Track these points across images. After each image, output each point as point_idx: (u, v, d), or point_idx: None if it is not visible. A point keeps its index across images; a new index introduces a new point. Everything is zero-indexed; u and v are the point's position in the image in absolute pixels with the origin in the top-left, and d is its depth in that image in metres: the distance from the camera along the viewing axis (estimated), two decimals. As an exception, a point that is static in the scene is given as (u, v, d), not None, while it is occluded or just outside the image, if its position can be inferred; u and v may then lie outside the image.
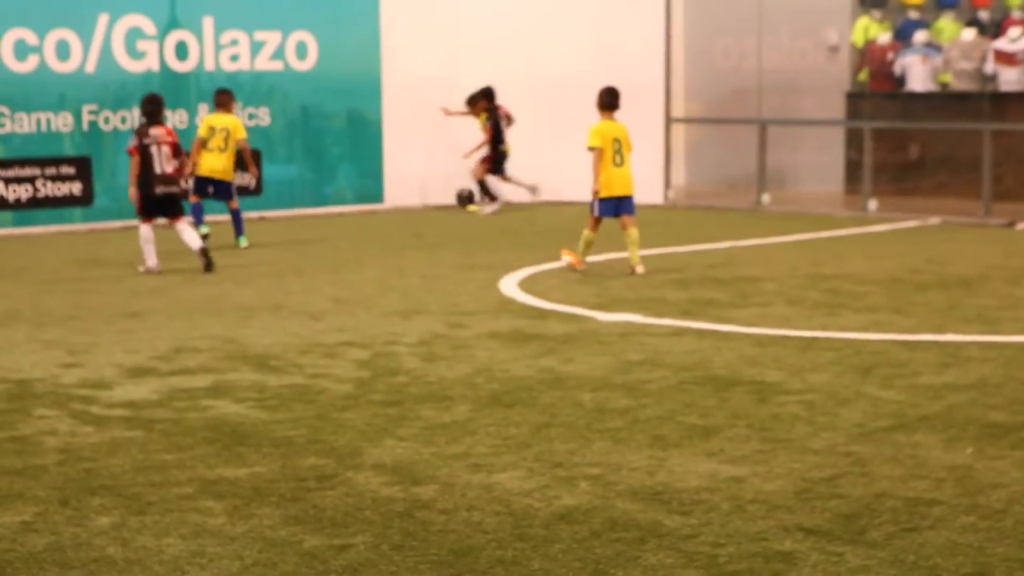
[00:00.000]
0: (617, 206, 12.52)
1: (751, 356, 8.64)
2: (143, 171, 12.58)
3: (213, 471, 6.15)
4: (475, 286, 11.81)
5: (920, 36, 20.56)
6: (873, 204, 18.01)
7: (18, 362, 8.66)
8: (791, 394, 7.57)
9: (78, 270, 13.09)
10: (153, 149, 12.61)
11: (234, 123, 14.91)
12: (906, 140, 19.65)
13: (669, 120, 19.54)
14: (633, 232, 12.45)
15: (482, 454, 6.40)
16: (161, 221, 12.80)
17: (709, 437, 6.68)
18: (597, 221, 12.55)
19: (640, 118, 19.30)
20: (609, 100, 12.76)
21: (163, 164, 12.62)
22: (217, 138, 14.77)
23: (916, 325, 9.70)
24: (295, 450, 6.50)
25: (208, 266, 12.58)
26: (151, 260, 12.58)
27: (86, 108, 16.71)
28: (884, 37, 21.06)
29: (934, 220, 16.79)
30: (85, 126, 16.65)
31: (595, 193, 12.46)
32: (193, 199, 15.00)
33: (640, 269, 12.40)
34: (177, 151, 12.82)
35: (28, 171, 16.43)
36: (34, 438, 6.77)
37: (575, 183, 19.27)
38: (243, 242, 14.88)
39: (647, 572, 4.85)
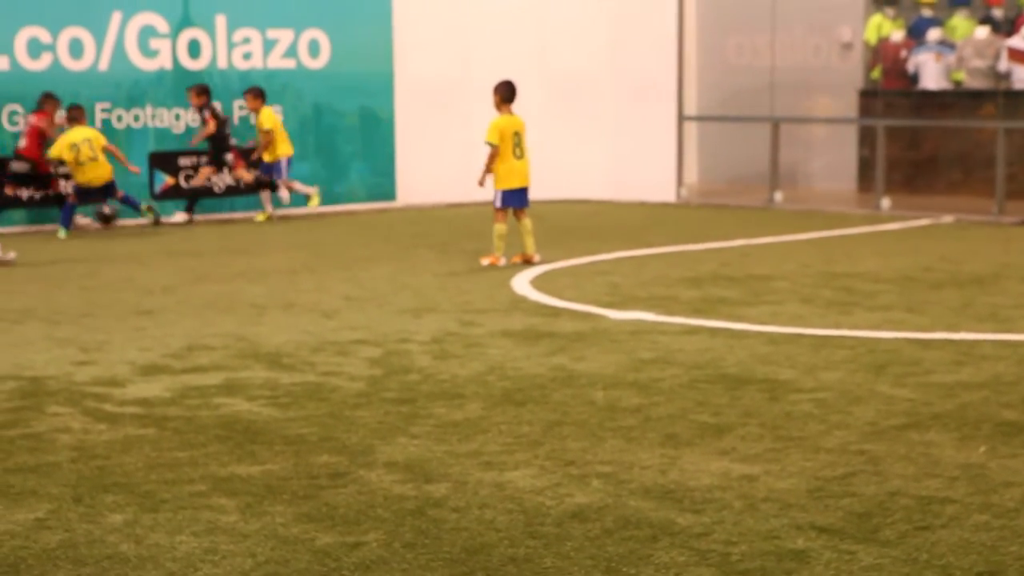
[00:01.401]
0: (521, 197, 12.94)
1: (763, 354, 8.63)
2: None
3: (226, 469, 6.16)
4: (487, 284, 11.82)
5: (933, 34, 20.52)
6: (886, 202, 17.97)
7: (32, 359, 8.68)
8: (804, 392, 7.56)
9: (89, 267, 13.11)
10: None
11: (92, 133, 15.99)
12: (919, 138, 19.61)
13: (682, 118, 19.52)
14: (528, 222, 12.99)
15: (494, 452, 6.40)
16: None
17: (721, 435, 6.67)
18: (504, 213, 12.89)
19: (652, 116, 19.35)
20: (508, 94, 13.08)
21: None
22: (83, 152, 15.75)
23: (929, 323, 9.69)
24: (307, 448, 6.51)
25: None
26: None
27: (99, 106, 16.74)
28: (897, 35, 21.02)
29: (947, 218, 16.76)
30: (98, 124, 16.67)
31: (480, 183, 13.09)
32: (72, 199, 16.03)
33: (537, 258, 12.93)
34: None
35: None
36: (47, 435, 6.79)
37: (588, 179, 19.30)
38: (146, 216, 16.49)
39: (659, 570, 4.85)
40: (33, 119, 15.91)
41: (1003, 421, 6.87)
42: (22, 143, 15.98)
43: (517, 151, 12.87)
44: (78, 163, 15.70)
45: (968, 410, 7.11)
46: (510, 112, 12.99)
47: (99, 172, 15.84)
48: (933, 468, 6.05)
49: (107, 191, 16.06)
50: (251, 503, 5.65)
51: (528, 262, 12.91)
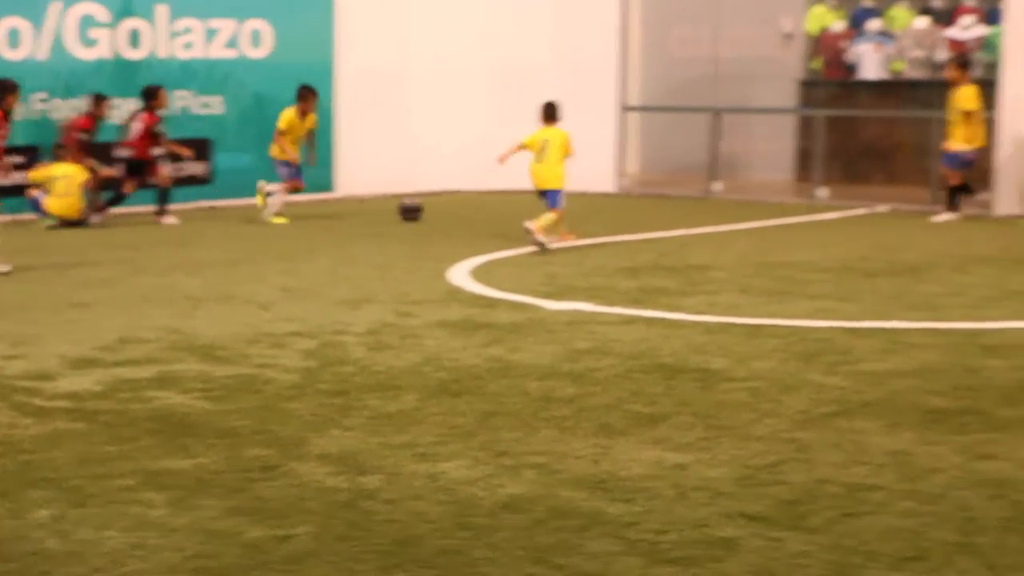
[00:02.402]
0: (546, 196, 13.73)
1: (698, 344, 8.67)
2: None
3: (156, 463, 6.11)
4: (425, 275, 11.80)
5: (873, 24, 20.68)
6: (824, 192, 18.10)
7: (-38, 354, 8.58)
8: (736, 381, 7.61)
9: (25, 259, 12.96)
10: None
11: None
12: (857, 128, 19.74)
13: (623, 108, 19.56)
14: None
15: (428, 443, 6.39)
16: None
17: (655, 425, 6.70)
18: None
19: (594, 105, 19.35)
20: (547, 113, 13.99)
21: None
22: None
23: (862, 312, 9.76)
24: (240, 441, 6.47)
25: None
26: None
27: (36, 97, 16.55)
28: (838, 25, 21.16)
29: (884, 208, 16.90)
30: (36, 115, 16.49)
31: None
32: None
33: (532, 225, 13.40)
34: None
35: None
36: (-25, 430, 6.71)
37: (527, 172, 19.30)
38: None
39: (589, 560, 4.86)
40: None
41: (931, 409, 6.94)
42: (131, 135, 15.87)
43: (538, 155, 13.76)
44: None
45: (897, 398, 7.18)
46: (552, 126, 13.86)
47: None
48: (861, 455, 6.10)
49: None
50: (181, 497, 5.61)
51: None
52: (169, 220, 16.18)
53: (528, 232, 13.27)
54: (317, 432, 6.61)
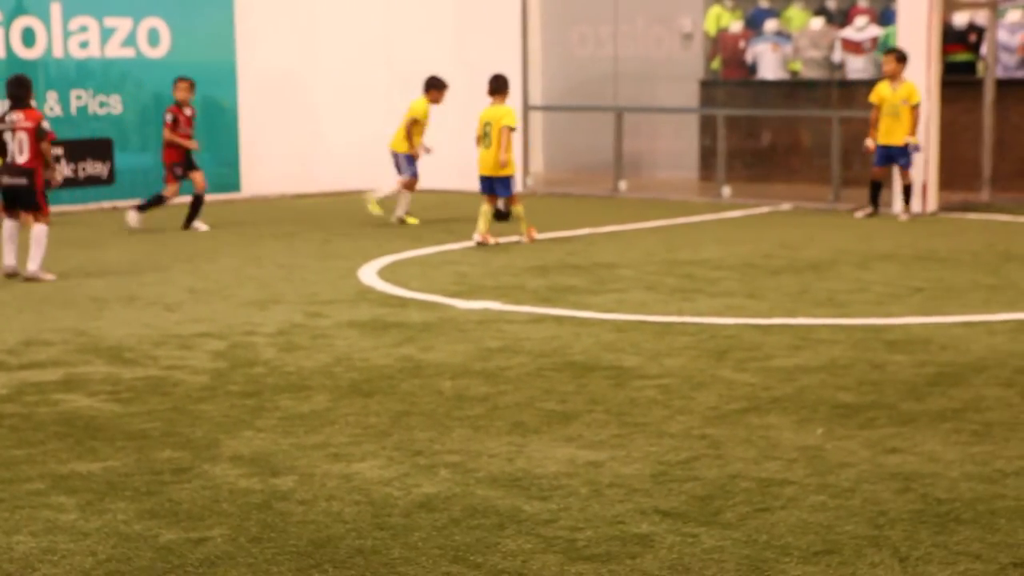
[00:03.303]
0: (487, 184, 13.71)
1: (609, 342, 8.72)
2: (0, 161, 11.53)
3: (65, 466, 6.03)
4: (334, 275, 11.74)
5: (770, 25, 20.92)
6: (727, 190, 18.29)
7: None
8: (648, 379, 7.67)
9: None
10: (7, 136, 11.46)
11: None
12: (758, 127, 19.98)
13: (527, 107, 19.61)
14: (490, 209, 13.64)
15: (341, 444, 6.37)
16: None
17: (568, 423, 6.73)
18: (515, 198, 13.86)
19: (498, 105, 19.39)
20: (497, 86, 13.88)
21: (15, 152, 11.41)
22: None
23: (769, 309, 9.89)
24: (150, 443, 6.40)
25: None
26: (7, 258, 11.48)
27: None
28: (736, 26, 21.39)
29: (786, 206, 17.12)
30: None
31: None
32: None
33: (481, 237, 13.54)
34: (40, 135, 11.42)
35: None
36: None
37: (436, 170, 19.30)
38: None
39: (506, 557, 4.88)
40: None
41: (839, 403, 7.05)
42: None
43: (483, 140, 13.69)
44: None
45: (806, 393, 7.28)
46: (500, 103, 13.71)
47: None
48: (772, 451, 6.18)
49: None
50: (92, 500, 5.54)
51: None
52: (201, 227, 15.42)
53: (482, 244, 13.37)
54: (229, 434, 6.56)
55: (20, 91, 11.58)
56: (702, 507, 5.40)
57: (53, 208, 16.16)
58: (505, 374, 7.82)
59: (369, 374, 7.85)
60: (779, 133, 19.77)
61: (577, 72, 21.04)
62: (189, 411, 7.02)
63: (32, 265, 11.28)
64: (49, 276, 11.36)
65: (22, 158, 11.38)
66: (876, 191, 15.95)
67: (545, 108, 20.48)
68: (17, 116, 11.47)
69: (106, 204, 17.48)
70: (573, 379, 7.68)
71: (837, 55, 19.86)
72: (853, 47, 19.78)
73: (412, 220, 15.83)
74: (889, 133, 15.59)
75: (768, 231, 14.78)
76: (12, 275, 11.40)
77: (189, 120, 15.13)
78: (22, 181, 11.41)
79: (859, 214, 15.90)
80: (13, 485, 5.75)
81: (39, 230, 11.33)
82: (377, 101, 19.25)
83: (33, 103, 11.78)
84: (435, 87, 15.88)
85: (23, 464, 6.06)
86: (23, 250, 11.84)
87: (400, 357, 8.31)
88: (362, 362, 8.18)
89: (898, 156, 15.57)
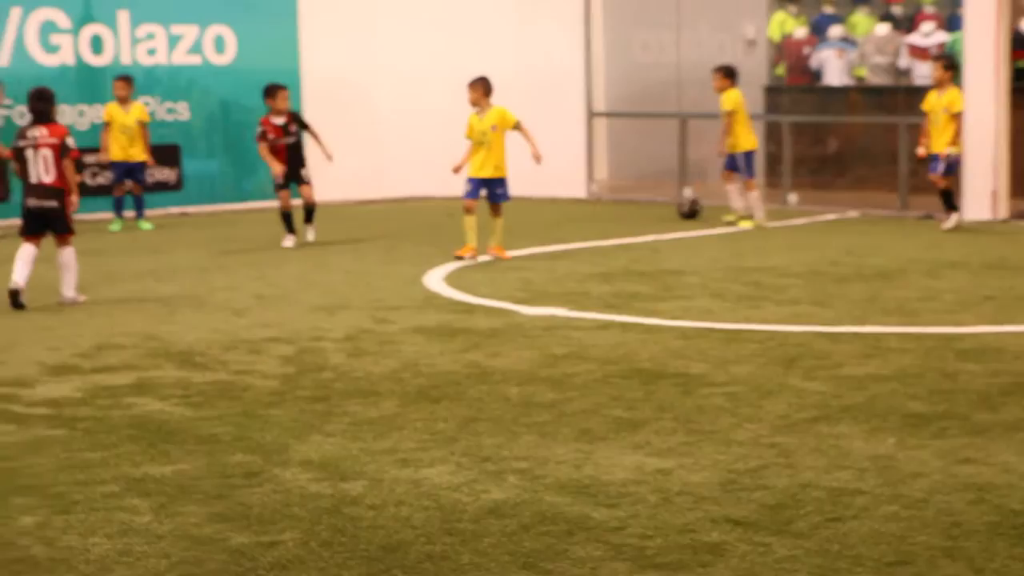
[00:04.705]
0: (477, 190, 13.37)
1: (676, 349, 8.70)
2: (22, 180, 10.51)
3: (138, 469, 6.10)
4: (400, 281, 11.79)
5: (835, 31, 20.80)
6: (793, 197, 18.17)
7: (-64, 361, 8.53)
8: (716, 386, 7.64)
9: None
10: (29, 152, 10.36)
11: None
12: (824, 134, 19.86)
13: (591, 114, 19.60)
14: (474, 219, 13.29)
15: (410, 449, 6.40)
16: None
17: (635, 430, 6.72)
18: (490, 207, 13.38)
19: (561, 112, 19.39)
20: (488, 88, 13.52)
21: (40, 171, 10.35)
22: None
23: (837, 317, 9.82)
24: (221, 447, 6.46)
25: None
26: (17, 276, 10.33)
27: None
28: (800, 32, 21.28)
29: (853, 213, 16.99)
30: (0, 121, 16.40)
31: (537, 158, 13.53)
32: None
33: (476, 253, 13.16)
34: (63, 152, 10.40)
35: (-60, 166, 16.17)
36: (-46, 438, 6.67)
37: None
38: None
39: (576, 565, 4.88)
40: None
41: (910, 413, 6.99)
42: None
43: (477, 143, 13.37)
44: None
45: (877, 402, 7.22)
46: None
47: None
48: (843, 460, 6.14)
49: None
50: (164, 503, 5.60)
51: (472, 255, 13.10)
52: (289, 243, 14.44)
53: (497, 258, 13.10)
54: (298, 438, 6.61)
55: (43, 105, 10.57)
56: (773, 516, 5.37)
57: (128, 213, 16.41)
58: (572, 381, 7.82)
59: (436, 380, 7.88)
60: (845, 139, 19.63)
61: (640, 78, 20.99)
62: (259, 415, 7.08)
63: (68, 291, 10.51)
64: (82, 298, 10.60)
65: (49, 178, 10.36)
66: (947, 198, 15.68)
67: (608, 115, 20.46)
68: (40, 132, 10.40)
69: (174, 209, 17.65)
70: (640, 386, 7.66)
71: (903, 61, 19.70)
72: (919, 53, 19.62)
73: (748, 224, 15.76)
74: (936, 141, 15.40)
75: (835, 238, 14.68)
76: (16, 293, 10.30)
77: (278, 129, 14.20)
78: (52, 204, 10.41)
79: (946, 225, 15.39)
80: (88, 487, 5.82)
81: (67, 255, 10.47)
82: (440, 107, 19.26)
83: (58, 117, 10.92)
84: (732, 76, 15.89)
85: (97, 467, 6.14)
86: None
87: (467, 363, 8.33)
88: (429, 368, 8.21)
89: (935, 163, 15.33)
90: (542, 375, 7.97)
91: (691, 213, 16.65)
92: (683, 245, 14.30)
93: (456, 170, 13.39)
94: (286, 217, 14.28)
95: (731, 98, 16.01)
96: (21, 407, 7.31)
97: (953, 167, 15.36)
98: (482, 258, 13.08)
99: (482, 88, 13.36)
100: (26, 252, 10.44)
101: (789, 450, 6.31)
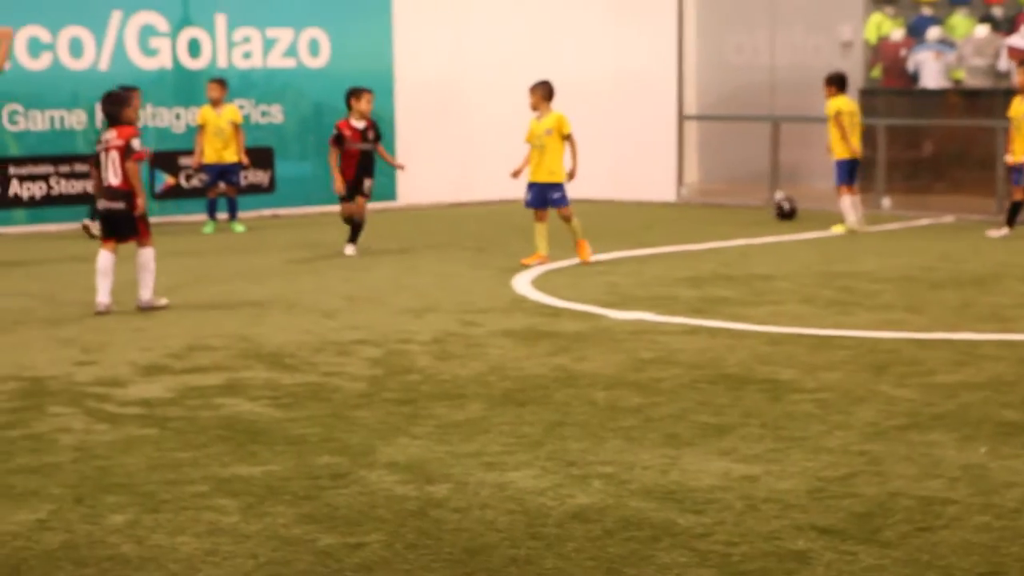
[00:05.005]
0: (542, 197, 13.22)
1: (764, 354, 8.63)
2: (96, 184, 10.58)
3: (227, 469, 6.16)
4: (488, 284, 11.82)
5: (933, 32, 20.52)
6: (887, 201, 17.97)
7: (33, 360, 8.68)
8: (804, 392, 7.57)
9: (90, 267, 13.08)
10: (102, 156, 10.39)
11: None
12: (920, 137, 19.60)
13: (682, 117, 19.52)
14: (546, 226, 13.26)
15: (495, 452, 6.41)
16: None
17: (722, 436, 6.68)
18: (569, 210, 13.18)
19: (653, 115, 19.35)
20: (549, 92, 13.29)
21: (109, 174, 10.36)
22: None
23: (930, 323, 9.69)
24: (309, 448, 6.51)
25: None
26: (100, 296, 10.37)
27: (99, 106, 16.71)
28: (897, 33, 21.02)
29: (948, 218, 16.77)
30: (98, 124, 16.66)
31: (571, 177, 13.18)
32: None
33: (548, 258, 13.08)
34: (128, 154, 10.35)
35: (42, 169, 16.47)
36: (49, 436, 6.79)
37: (589, 179, 19.33)
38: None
39: (661, 571, 4.85)
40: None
41: (1004, 421, 6.88)
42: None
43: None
44: None
45: (969, 410, 7.11)
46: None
47: None
48: (934, 468, 6.05)
49: None
50: (252, 504, 5.65)
51: (542, 262, 12.98)
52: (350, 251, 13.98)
53: (587, 261, 13.01)
54: (385, 440, 6.65)
55: (113, 108, 10.57)
56: (861, 524, 5.31)
57: (221, 215, 16.60)
58: (659, 385, 7.79)
59: (523, 383, 7.88)
60: (941, 143, 19.36)
61: (733, 81, 20.87)
62: (346, 417, 7.13)
63: (145, 293, 10.44)
64: (163, 301, 10.52)
65: (116, 180, 10.34)
66: (1013, 212, 15.25)
67: (700, 118, 20.36)
68: (111, 134, 10.41)
69: (267, 212, 17.84)
70: (727, 391, 7.61)
71: (1003, 63, 19.38)
72: (1019, 55, 19.30)
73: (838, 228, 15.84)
74: (1020, 149, 15.08)
75: (929, 243, 14.50)
76: (104, 313, 10.34)
77: (357, 133, 13.61)
78: (119, 205, 10.37)
79: (993, 233, 15.08)
80: (177, 487, 5.89)
81: (145, 255, 10.40)
82: (529, 112, 19.31)
83: (132, 118, 10.79)
84: (842, 84, 15.90)
85: (187, 467, 6.22)
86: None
87: (554, 367, 8.33)
88: (516, 371, 8.22)
89: (1018, 173, 14.98)
90: (629, 379, 7.95)
91: (788, 213, 16.51)
92: (773, 249, 14.19)
93: (515, 174, 13.32)
94: (357, 226, 13.97)
95: (830, 105, 15.95)
96: (114, 407, 7.43)
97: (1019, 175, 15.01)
98: (558, 264, 13.07)
99: (541, 92, 13.22)
100: (104, 262, 10.43)
101: (879, 458, 6.23)
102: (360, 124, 13.66)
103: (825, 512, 5.47)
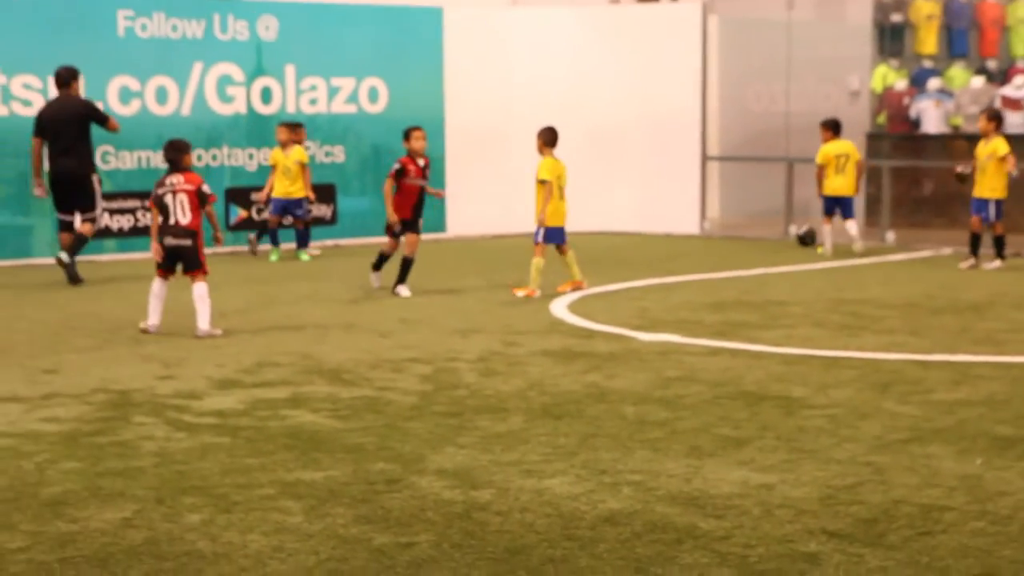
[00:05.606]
0: (561, 234, 12.77)
1: (779, 373, 8.58)
2: (162, 222, 10.55)
3: (292, 474, 6.18)
4: (528, 308, 11.81)
5: (934, 83, 20.45)
6: (891, 235, 17.86)
7: (119, 374, 8.74)
8: (816, 408, 7.52)
9: (170, 291, 13.16)
10: (168, 198, 10.48)
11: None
12: (921, 177, 19.49)
13: (705, 158, 19.49)
14: (572, 253, 12.88)
15: (534, 461, 6.39)
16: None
17: (741, 447, 6.64)
18: (542, 247, 12.67)
19: (678, 156, 19.31)
20: (551, 139, 12.92)
21: (177, 214, 10.45)
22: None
23: (930, 346, 9.61)
24: (365, 456, 6.52)
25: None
26: (152, 318, 10.51)
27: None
28: (901, 84, 20.95)
29: (947, 250, 16.63)
30: (180, 164, 16.80)
31: (540, 223, 12.62)
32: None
33: (585, 283, 12.82)
34: (201, 199, 10.50)
35: (130, 203, 16.61)
36: (133, 443, 6.83)
37: (619, 214, 19.31)
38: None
39: (684, 571, 4.83)
40: None
41: (998, 436, 6.81)
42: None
43: (559, 193, 12.74)
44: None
45: (966, 425, 7.05)
46: (553, 156, 12.85)
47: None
48: (934, 478, 6.00)
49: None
50: (314, 506, 5.66)
51: (577, 288, 12.80)
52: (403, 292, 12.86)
53: (579, 287, 12.74)
54: (434, 449, 6.64)
55: (176, 155, 10.64)
56: (867, 529, 5.27)
57: (285, 245, 16.68)
58: (683, 401, 7.75)
59: (559, 398, 7.87)
60: (940, 183, 19.23)
61: (752, 125, 20.83)
62: (399, 428, 7.13)
63: (203, 324, 10.37)
64: (217, 331, 10.41)
65: (185, 219, 10.43)
66: (999, 245, 15.05)
67: (721, 159, 20.33)
68: (177, 179, 10.50)
69: (329, 242, 17.90)
70: (746, 407, 7.57)
71: (997, 111, 19.24)
72: (1012, 104, 19.19)
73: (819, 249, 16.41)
74: (978, 186, 14.90)
75: (929, 273, 14.39)
76: (151, 333, 10.45)
77: (419, 170, 12.85)
78: (187, 242, 10.46)
79: (987, 265, 14.88)
80: (247, 490, 5.91)
81: (201, 288, 10.43)
82: (567, 152, 19.29)
83: (190, 163, 10.88)
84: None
85: (256, 471, 6.23)
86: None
87: (587, 384, 8.30)
88: (553, 387, 8.20)
89: (998, 208, 14.83)
90: (656, 396, 7.92)
91: (806, 239, 17.12)
92: (788, 278, 14.12)
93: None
94: (384, 258, 13.12)
95: (820, 152, 16.59)
96: (191, 417, 7.46)
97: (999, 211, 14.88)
98: (593, 290, 13.03)
99: (541, 139, 12.87)
100: (158, 287, 10.55)
101: (883, 468, 6.18)
102: (420, 161, 12.87)
103: (834, 518, 5.42)
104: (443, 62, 18.84)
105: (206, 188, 10.58)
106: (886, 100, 21.03)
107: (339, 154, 18.20)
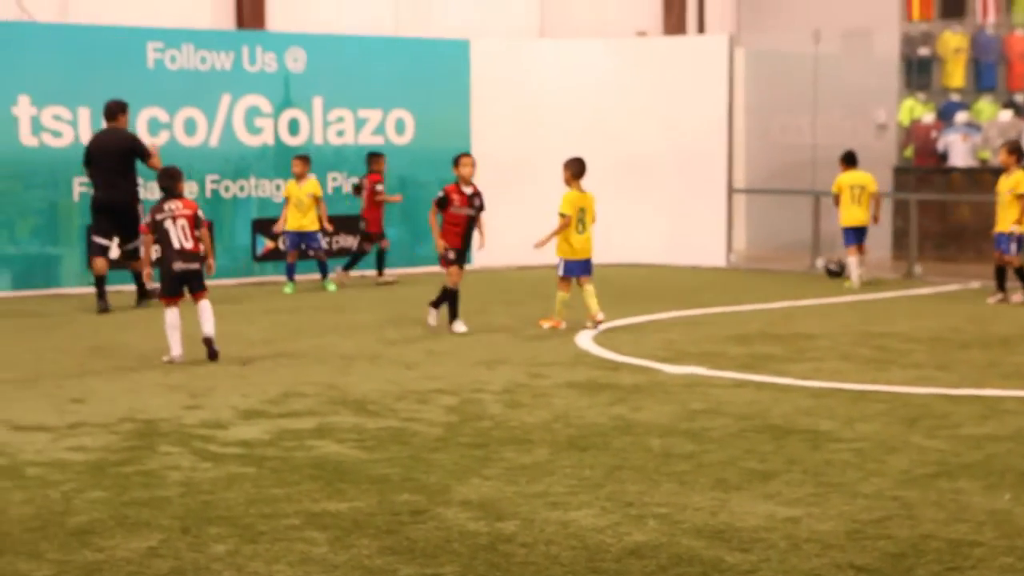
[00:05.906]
0: (583, 267, 12.65)
1: (806, 407, 8.55)
2: (163, 249, 10.76)
3: (317, 505, 6.18)
4: (554, 340, 11.80)
5: (961, 116, 20.41)
6: (919, 269, 17.79)
7: (146, 404, 8.78)
8: (843, 442, 7.48)
9: (190, 324, 13.22)
10: (168, 224, 10.68)
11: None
12: (949, 210, 19.42)
13: (731, 190, 19.48)
14: (590, 287, 12.63)
15: (560, 493, 6.38)
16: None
17: (767, 481, 6.61)
18: (567, 282, 12.65)
19: (704, 188, 19.31)
20: (578, 170, 12.89)
21: (180, 239, 10.69)
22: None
23: (958, 380, 9.56)
24: (390, 487, 6.52)
25: (213, 355, 10.68)
26: (175, 349, 10.64)
27: (209, 178, 16.99)
28: (928, 117, 20.92)
29: (975, 284, 16.55)
30: (208, 194, 16.92)
31: (537, 246, 12.83)
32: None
33: (601, 316, 12.53)
34: (197, 223, 10.76)
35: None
36: (159, 472, 6.85)
37: (646, 246, 19.31)
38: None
39: (710, 604, 4.80)
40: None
41: (1027, 471, 6.76)
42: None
43: (580, 226, 12.67)
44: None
45: (994, 460, 7.00)
46: (580, 188, 12.89)
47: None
48: (962, 513, 5.96)
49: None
50: (340, 536, 5.66)
51: (594, 321, 12.69)
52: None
53: (598, 323, 12.40)
54: (459, 480, 6.64)
55: (171, 182, 10.91)
56: (895, 564, 5.23)
57: (312, 275, 16.75)
58: (709, 434, 7.73)
59: (585, 430, 7.85)
60: (968, 216, 19.17)
61: (778, 158, 20.83)
62: (424, 459, 7.13)
63: (210, 329, 10.74)
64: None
65: (189, 244, 10.70)
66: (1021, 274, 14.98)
67: (748, 191, 20.32)
68: (175, 204, 10.77)
69: (355, 273, 17.93)
70: (772, 440, 7.54)
71: (1025, 144, 19.18)
72: (1040, 137, 19.11)
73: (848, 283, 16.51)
74: (1000, 220, 14.85)
75: (957, 307, 14.32)
76: (171, 363, 10.61)
77: (464, 198, 12.59)
78: (195, 266, 10.74)
79: (1016, 298, 14.78)
80: (273, 520, 5.92)
81: (205, 304, 10.73)
82: (593, 184, 19.34)
83: (183, 190, 11.20)
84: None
85: (282, 502, 6.24)
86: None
87: (613, 416, 8.29)
88: (578, 419, 8.19)
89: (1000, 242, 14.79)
90: (681, 428, 7.90)
91: (835, 271, 17.38)
92: (815, 311, 14.08)
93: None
94: (453, 295, 12.55)
95: (836, 180, 16.96)
96: (217, 447, 7.48)
97: (1021, 244, 14.80)
98: (619, 322, 13.01)
99: (568, 171, 12.87)
100: (173, 318, 10.67)
101: (911, 503, 6.14)
102: (468, 190, 12.54)
103: (862, 552, 5.39)
104: (470, 94, 18.91)
105: (201, 213, 10.95)
106: (913, 133, 20.99)
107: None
